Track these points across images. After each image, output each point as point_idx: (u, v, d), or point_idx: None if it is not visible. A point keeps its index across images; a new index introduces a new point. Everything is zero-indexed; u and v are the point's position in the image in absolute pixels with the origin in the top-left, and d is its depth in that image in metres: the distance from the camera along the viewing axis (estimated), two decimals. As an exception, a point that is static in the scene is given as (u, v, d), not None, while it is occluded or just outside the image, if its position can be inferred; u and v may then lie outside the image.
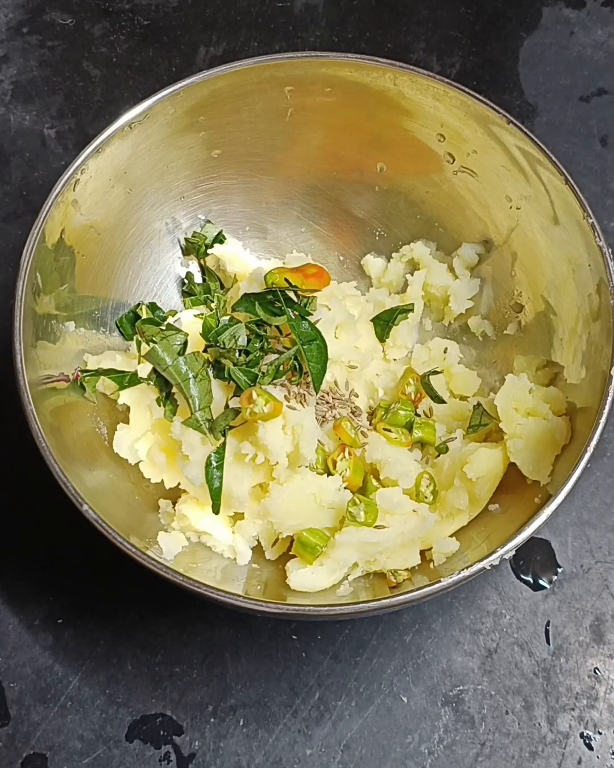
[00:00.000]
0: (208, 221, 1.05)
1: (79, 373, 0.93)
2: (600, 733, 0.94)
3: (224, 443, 0.89)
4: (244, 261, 1.06)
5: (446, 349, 1.02)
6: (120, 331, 1.01)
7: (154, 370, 0.93)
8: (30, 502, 1.00)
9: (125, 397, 0.95)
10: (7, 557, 0.99)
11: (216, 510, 0.90)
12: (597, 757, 0.93)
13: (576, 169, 0.95)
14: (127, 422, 0.95)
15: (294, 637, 0.96)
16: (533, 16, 1.26)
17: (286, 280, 0.95)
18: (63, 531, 0.97)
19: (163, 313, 1.02)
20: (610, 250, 0.87)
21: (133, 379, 0.94)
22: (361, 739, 0.93)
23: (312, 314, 0.95)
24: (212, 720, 0.94)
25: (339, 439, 0.94)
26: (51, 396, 0.89)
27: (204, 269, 1.07)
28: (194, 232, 1.05)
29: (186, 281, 1.06)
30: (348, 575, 0.91)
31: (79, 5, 1.26)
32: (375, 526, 0.89)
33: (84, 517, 0.80)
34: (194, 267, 1.07)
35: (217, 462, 0.89)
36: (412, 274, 1.04)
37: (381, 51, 1.23)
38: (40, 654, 0.96)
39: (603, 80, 1.22)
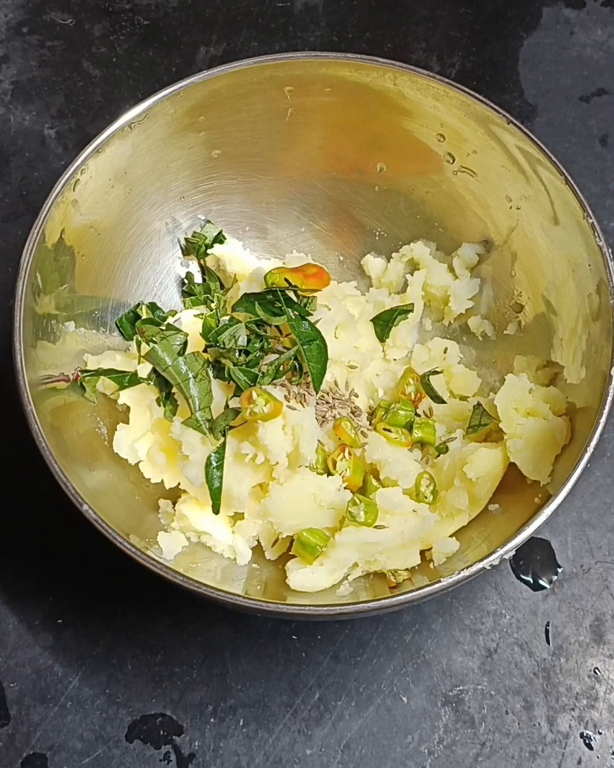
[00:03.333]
0: (208, 221, 1.05)
1: (79, 373, 0.93)
2: (600, 733, 0.94)
3: (224, 443, 0.89)
4: (244, 261, 1.06)
5: (446, 349, 1.02)
6: (120, 331, 1.01)
7: (154, 370, 0.93)
8: (30, 502, 1.00)
9: (125, 397, 0.95)
10: (7, 557, 0.99)
11: (216, 510, 0.90)
12: (597, 757, 0.93)
13: (576, 169, 0.95)
14: (127, 422, 0.95)
15: (294, 637, 0.96)
16: (533, 16, 1.26)
17: (285, 280, 0.95)
18: (63, 531, 0.97)
19: (163, 313, 1.02)
20: (610, 250, 0.87)
21: (133, 379, 0.94)
22: (361, 739, 0.93)
23: (312, 314, 0.95)
24: (212, 720, 0.94)
25: (339, 439, 0.94)
26: (51, 396, 0.89)
27: (204, 269, 1.07)
28: (194, 232, 1.05)
29: (186, 281, 1.06)
30: (348, 575, 0.91)
31: (79, 5, 1.26)
32: (375, 526, 0.89)
33: (84, 517, 0.80)
34: (194, 267, 1.07)
35: (216, 462, 0.89)
36: (412, 274, 1.04)
37: (381, 51, 1.23)
38: (40, 654, 0.96)
39: (603, 80, 1.22)
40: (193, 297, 1.05)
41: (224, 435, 0.89)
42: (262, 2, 1.26)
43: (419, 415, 0.99)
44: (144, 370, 0.95)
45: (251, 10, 1.26)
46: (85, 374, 0.94)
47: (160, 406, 0.94)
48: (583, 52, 1.24)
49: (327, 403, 0.96)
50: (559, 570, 0.99)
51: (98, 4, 1.26)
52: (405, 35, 1.25)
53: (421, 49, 1.24)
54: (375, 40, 1.24)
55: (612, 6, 1.26)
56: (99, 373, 0.94)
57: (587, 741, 0.93)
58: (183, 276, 1.06)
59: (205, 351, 0.94)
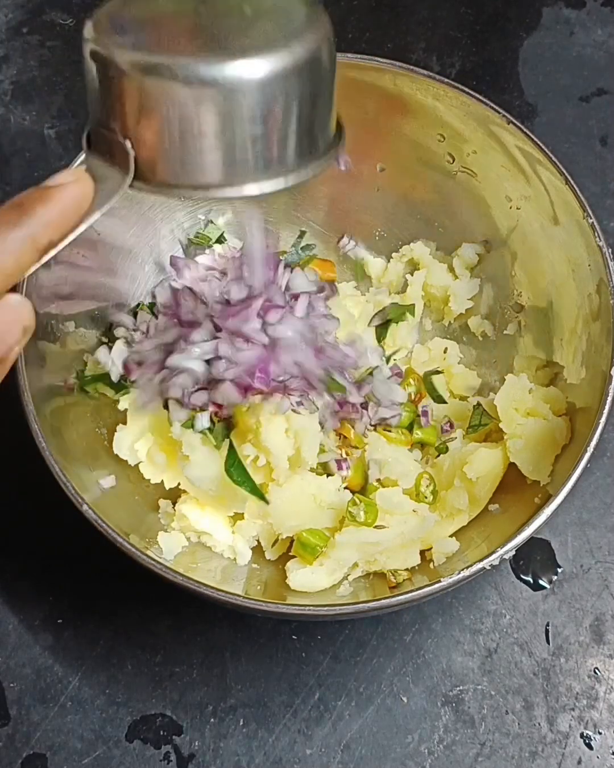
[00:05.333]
0: (211, 221, 1.05)
1: (75, 381, 0.93)
2: (600, 733, 0.94)
3: (231, 447, 0.88)
4: (244, 261, 1.06)
5: (446, 349, 1.02)
6: None
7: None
8: (30, 502, 1.00)
9: (125, 400, 0.95)
10: (7, 557, 0.99)
11: (265, 501, 0.88)
12: (597, 757, 0.93)
13: (576, 169, 0.95)
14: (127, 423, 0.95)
15: (294, 637, 0.96)
16: (533, 16, 1.26)
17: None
18: (63, 531, 0.97)
19: (163, 313, 1.02)
20: (610, 250, 0.87)
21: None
22: (361, 739, 0.93)
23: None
24: (212, 720, 0.94)
25: (341, 439, 0.94)
26: (51, 396, 0.89)
27: (205, 268, 1.07)
28: (198, 232, 1.05)
29: (186, 281, 1.06)
30: (348, 575, 0.91)
31: (79, 5, 1.26)
32: (375, 526, 0.89)
33: (84, 518, 0.80)
34: (194, 266, 1.07)
35: (232, 466, 0.88)
36: (412, 274, 1.04)
37: (381, 51, 1.22)
38: (40, 654, 0.96)
39: (603, 80, 1.22)
40: (193, 297, 1.05)
41: (227, 438, 0.89)
42: (262, 2, 1.26)
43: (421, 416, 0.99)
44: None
45: (251, 10, 1.26)
46: (84, 379, 0.93)
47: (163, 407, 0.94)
48: (583, 52, 1.24)
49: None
50: (559, 570, 0.99)
51: (98, 5, 1.26)
52: (405, 35, 1.25)
53: (421, 49, 1.24)
54: (375, 40, 1.24)
55: (612, 6, 1.26)
56: (95, 379, 0.94)
57: (587, 741, 0.93)
58: (183, 276, 1.06)
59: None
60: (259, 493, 0.88)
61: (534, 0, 1.26)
